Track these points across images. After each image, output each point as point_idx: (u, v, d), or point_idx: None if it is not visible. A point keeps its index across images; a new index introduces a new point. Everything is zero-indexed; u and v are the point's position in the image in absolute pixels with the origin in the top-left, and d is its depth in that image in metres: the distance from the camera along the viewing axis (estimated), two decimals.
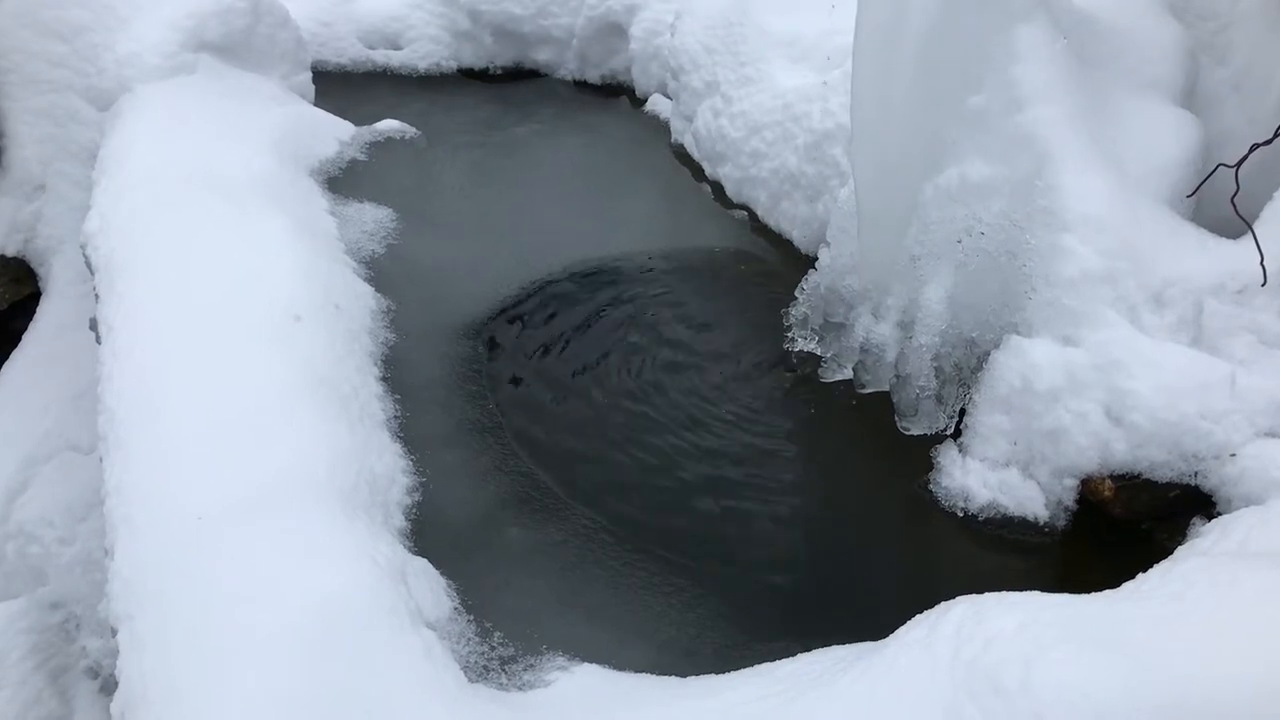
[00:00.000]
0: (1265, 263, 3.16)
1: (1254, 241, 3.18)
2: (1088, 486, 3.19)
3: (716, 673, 2.55)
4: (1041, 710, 1.97)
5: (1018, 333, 3.38)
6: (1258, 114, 3.51)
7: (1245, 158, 3.26)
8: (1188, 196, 3.44)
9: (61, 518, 4.42)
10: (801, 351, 4.07)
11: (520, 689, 2.52)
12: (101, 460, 2.98)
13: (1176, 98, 3.58)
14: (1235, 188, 3.28)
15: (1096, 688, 1.98)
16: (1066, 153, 3.31)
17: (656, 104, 6.38)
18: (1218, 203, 3.37)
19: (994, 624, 2.16)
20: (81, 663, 4.29)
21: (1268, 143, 3.23)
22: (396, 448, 3.23)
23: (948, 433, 3.58)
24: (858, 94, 3.60)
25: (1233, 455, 3.01)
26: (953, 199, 3.51)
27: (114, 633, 2.48)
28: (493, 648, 2.64)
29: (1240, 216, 3.26)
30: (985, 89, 3.42)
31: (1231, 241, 3.30)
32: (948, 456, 3.47)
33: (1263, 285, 3.17)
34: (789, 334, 4.13)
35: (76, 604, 4.34)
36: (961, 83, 3.45)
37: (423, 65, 6.99)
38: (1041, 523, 3.23)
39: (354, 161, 4.97)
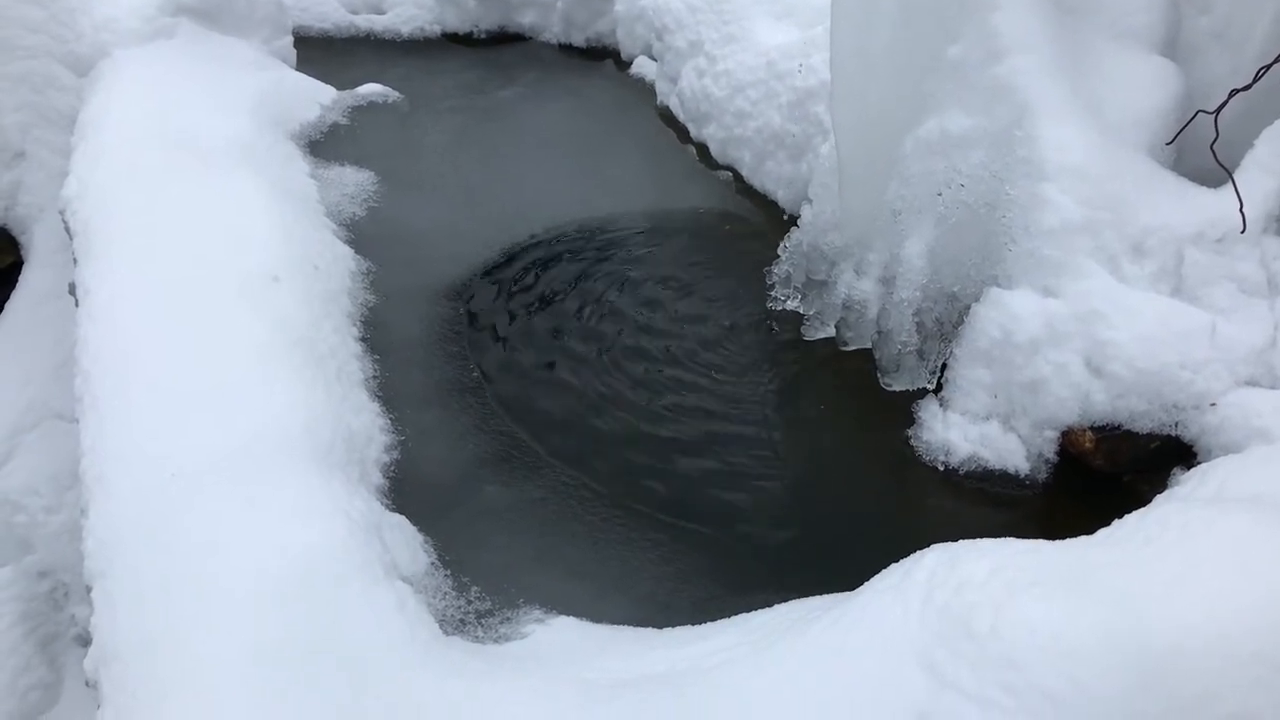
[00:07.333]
0: (1245, 210, 3.13)
1: (1234, 189, 3.15)
2: (1068, 438, 3.18)
3: (693, 625, 2.55)
4: (1012, 653, 1.96)
5: (998, 285, 3.35)
6: (1239, 64, 3.46)
7: (1224, 104, 3.22)
8: (1167, 144, 3.41)
9: (47, 486, 4.41)
10: (784, 310, 4.06)
11: (496, 641, 2.52)
12: (78, 421, 2.97)
13: (1158, 47, 3.54)
14: (1215, 135, 3.25)
15: (1068, 631, 1.96)
16: (1046, 102, 3.28)
17: (642, 66, 6.34)
18: (1198, 151, 3.34)
19: (966, 569, 2.15)
20: (70, 630, 4.30)
21: (1246, 88, 3.20)
22: (375, 407, 3.23)
23: (930, 388, 3.57)
24: (837, 47, 3.57)
25: (1213, 404, 3.00)
26: (933, 151, 3.48)
27: (88, 590, 2.49)
28: (469, 601, 2.65)
29: (1220, 164, 3.23)
30: (964, 39, 3.39)
31: (1211, 190, 3.28)
32: (929, 411, 3.46)
33: (1242, 233, 3.15)
34: (772, 293, 4.11)
35: (64, 572, 4.34)
36: (940, 33, 3.42)
37: (406, 30, 6.95)
38: (1022, 475, 3.22)
39: (336, 125, 4.94)
